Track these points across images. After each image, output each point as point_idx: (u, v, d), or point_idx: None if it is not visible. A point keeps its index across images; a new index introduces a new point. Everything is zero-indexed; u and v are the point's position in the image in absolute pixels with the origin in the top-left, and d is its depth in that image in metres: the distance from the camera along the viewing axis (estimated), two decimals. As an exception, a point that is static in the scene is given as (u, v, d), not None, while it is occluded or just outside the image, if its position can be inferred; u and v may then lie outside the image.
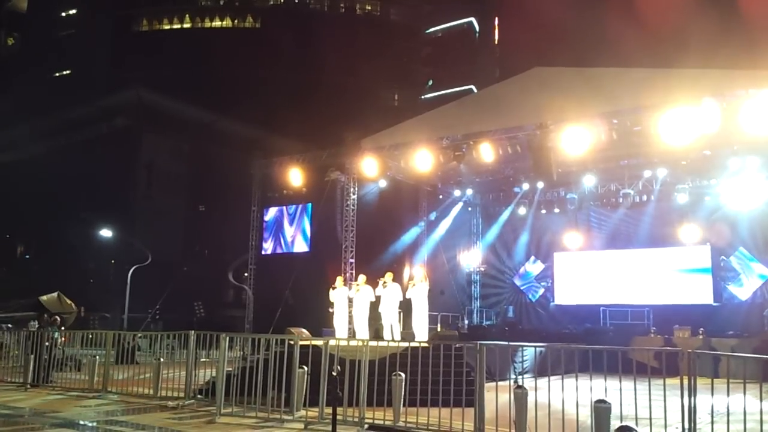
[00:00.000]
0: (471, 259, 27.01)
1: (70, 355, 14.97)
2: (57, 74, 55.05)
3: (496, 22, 60.22)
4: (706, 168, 20.51)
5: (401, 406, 9.07)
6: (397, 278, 15.09)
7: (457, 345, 10.67)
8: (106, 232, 33.58)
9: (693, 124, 14.29)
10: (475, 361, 8.56)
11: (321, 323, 17.25)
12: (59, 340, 14.62)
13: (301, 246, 23.17)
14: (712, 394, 7.04)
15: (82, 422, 9.81)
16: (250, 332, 20.69)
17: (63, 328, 16.44)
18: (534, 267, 26.23)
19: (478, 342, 8.71)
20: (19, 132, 43.73)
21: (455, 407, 8.46)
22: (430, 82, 56.31)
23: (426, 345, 10.37)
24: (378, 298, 14.51)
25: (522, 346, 13.70)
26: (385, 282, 14.44)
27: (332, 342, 9.91)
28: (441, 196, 25.23)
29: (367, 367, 9.13)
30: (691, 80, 15.05)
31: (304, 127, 37.80)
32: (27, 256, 47.81)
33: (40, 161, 42.41)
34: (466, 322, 24.79)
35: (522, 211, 25.61)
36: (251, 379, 9.84)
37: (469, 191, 25.58)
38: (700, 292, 22.05)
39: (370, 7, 57.99)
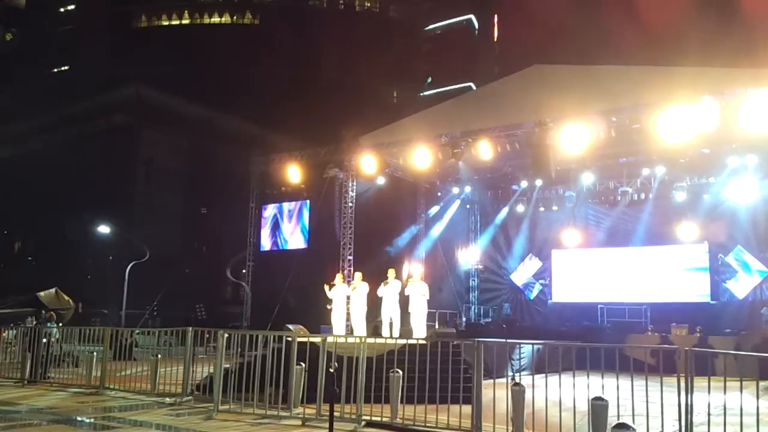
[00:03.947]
0: (469, 256, 27.03)
1: (67, 351, 14.95)
2: (55, 70, 54.94)
3: (496, 19, 60.13)
4: (705, 166, 20.56)
5: (399, 403, 9.08)
6: (397, 276, 15.08)
7: (454, 342, 10.67)
8: (104, 229, 33.52)
9: (692, 122, 14.31)
10: (472, 358, 8.56)
11: (319, 320, 17.25)
12: (57, 336, 14.58)
13: (299, 243, 23.17)
14: (709, 392, 7.05)
15: (79, 418, 9.80)
16: (247, 329, 20.67)
17: (60, 324, 16.41)
18: (532, 264, 26.24)
19: (476, 339, 8.72)
20: (17, 128, 43.61)
21: (453, 404, 8.46)
22: (429, 80, 56.25)
23: (424, 342, 10.37)
24: (380, 297, 14.51)
25: (519, 344, 13.70)
26: (387, 281, 14.45)
27: (330, 339, 9.91)
28: (439, 194, 25.25)
29: (364, 364, 9.13)
30: (690, 78, 15.05)
31: (303, 123, 37.72)
32: (30, 257, 47.69)
33: (38, 157, 42.32)
34: (464, 319, 24.81)
35: (520, 208, 25.66)
36: (249, 375, 9.84)
37: (468, 189, 25.59)
38: (697, 290, 22.09)
39: (369, 4, 57.91)
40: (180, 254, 41.86)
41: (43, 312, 17.84)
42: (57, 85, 50.16)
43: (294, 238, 23.34)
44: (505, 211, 26.26)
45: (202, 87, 44.79)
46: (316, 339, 10.20)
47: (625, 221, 23.94)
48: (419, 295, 14.34)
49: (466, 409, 8.36)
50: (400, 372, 9.10)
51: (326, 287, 15.10)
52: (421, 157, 18.67)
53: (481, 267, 26.98)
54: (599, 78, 16.64)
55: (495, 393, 8.00)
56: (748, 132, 14.44)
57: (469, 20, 58.35)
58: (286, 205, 23.80)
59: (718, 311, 21.22)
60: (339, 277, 15.77)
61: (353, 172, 20.82)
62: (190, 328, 11.38)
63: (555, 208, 25.08)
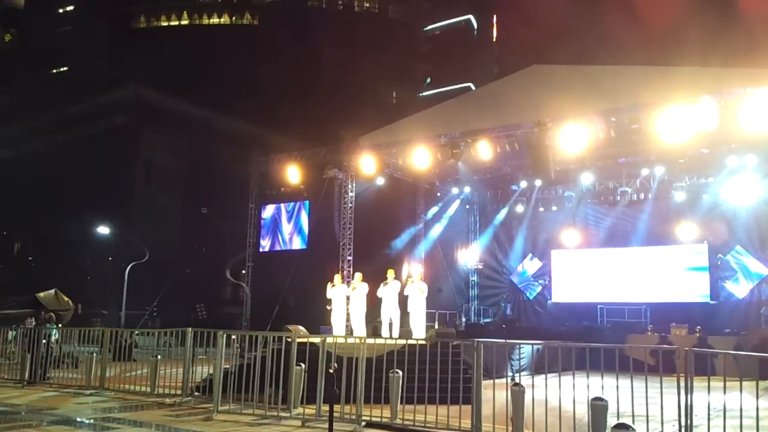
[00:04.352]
0: (469, 256, 27.03)
1: (67, 352, 14.95)
2: (54, 71, 54.89)
3: (495, 19, 60.17)
4: (704, 166, 20.56)
5: (398, 403, 9.08)
6: (396, 276, 15.07)
7: (454, 343, 10.67)
8: (103, 229, 33.52)
9: (691, 122, 14.31)
10: (472, 358, 8.56)
11: (319, 321, 17.25)
12: (56, 337, 14.57)
13: (298, 243, 23.17)
14: (709, 392, 7.05)
15: (79, 419, 9.80)
16: (247, 329, 20.66)
17: (60, 325, 16.41)
18: (531, 265, 26.24)
19: (476, 339, 8.73)
20: (16, 129, 43.58)
21: (452, 405, 8.46)
22: (428, 80, 56.26)
23: (423, 342, 10.37)
24: (379, 297, 14.51)
25: (519, 344, 13.70)
26: (386, 281, 14.44)
27: (329, 339, 9.91)
28: (439, 194, 25.25)
29: (364, 365, 9.13)
30: (689, 78, 15.05)
31: (302, 124, 37.73)
32: (29, 258, 47.65)
33: (38, 158, 42.31)
34: (464, 319, 24.81)
35: (520, 208, 25.66)
36: (248, 376, 9.84)
37: (467, 189, 25.60)
38: (697, 290, 22.09)
39: (368, 4, 57.89)
40: (179, 255, 41.85)
41: (43, 313, 17.82)
42: (56, 85, 50.13)
43: (293, 239, 23.33)
44: (504, 212, 26.26)
45: (202, 87, 44.77)
46: (316, 339, 10.20)
47: (624, 221, 23.94)
48: (418, 294, 14.34)
49: (466, 409, 8.36)
50: (400, 372, 9.10)
51: (329, 285, 15.09)
52: (420, 157, 18.67)
53: (480, 267, 26.98)
54: (598, 78, 16.63)
55: (495, 393, 8.01)
56: (747, 132, 14.44)
57: (468, 21, 58.37)
58: (285, 206, 23.79)
59: (718, 311, 21.23)
60: (338, 277, 15.77)
61: (353, 172, 20.82)
62: (190, 329, 11.37)
63: (554, 208, 25.09)
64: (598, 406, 7.16)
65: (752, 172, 19.51)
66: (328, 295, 15.13)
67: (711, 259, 21.99)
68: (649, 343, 17.00)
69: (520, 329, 21.16)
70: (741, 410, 6.59)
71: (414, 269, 19.88)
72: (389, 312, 14.39)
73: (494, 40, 60.17)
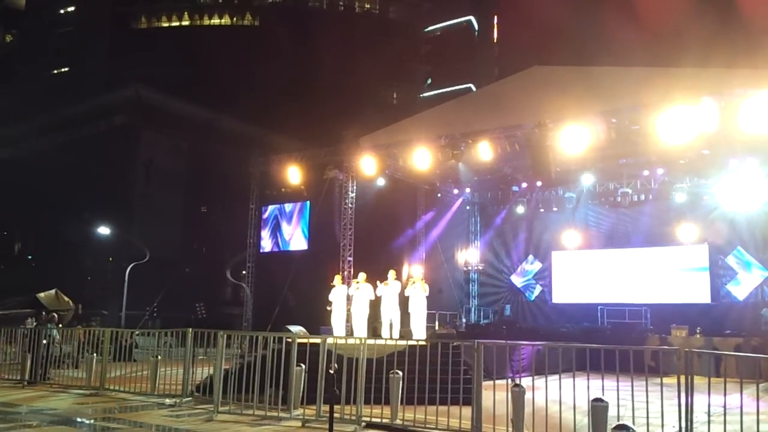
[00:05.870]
0: (469, 257, 27.03)
1: (67, 352, 14.93)
2: (55, 71, 54.92)
3: (495, 20, 60.18)
4: (705, 167, 20.54)
5: (399, 404, 9.07)
6: (397, 277, 15.06)
7: (454, 343, 10.66)
8: (104, 230, 33.52)
9: (691, 123, 14.31)
10: (472, 359, 8.56)
11: (319, 321, 17.24)
12: (56, 338, 14.56)
13: (299, 244, 23.16)
14: (709, 393, 7.05)
15: (79, 419, 9.81)
16: (248, 330, 20.67)
17: (60, 325, 16.40)
18: (532, 266, 26.25)
19: (476, 340, 8.72)
20: (17, 129, 43.60)
21: (453, 405, 8.46)
22: (429, 81, 56.26)
23: (424, 343, 10.36)
24: (379, 297, 14.50)
25: (519, 345, 13.69)
26: (386, 281, 14.43)
27: (330, 340, 9.91)
28: (439, 195, 25.25)
29: (364, 365, 9.12)
30: (689, 79, 15.05)
31: (303, 125, 37.73)
32: (30, 257, 47.64)
33: (38, 158, 42.30)
34: (464, 320, 24.82)
35: (520, 209, 25.67)
36: (249, 376, 9.84)
37: (468, 190, 25.61)
38: (697, 292, 22.09)
39: (368, 5, 57.89)
40: (180, 255, 41.79)
41: (44, 313, 17.82)
42: (57, 86, 50.14)
43: (294, 240, 23.33)
44: (504, 213, 26.26)
45: (202, 88, 44.76)
46: (316, 340, 10.19)
47: (625, 222, 23.95)
48: (419, 295, 14.33)
49: (466, 410, 8.36)
50: (400, 373, 9.10)
51: (333, 290, 15.07)
52: (421, 158, 18.67)
53: (481, 268, 26.98)
54: (599, 79, 16.62)
55: (495, 394, 8.00)
56: (748, 133, 14.43)
57: (469, 21, 58.39)
58: (286, 206, 23.79)
59: (718, 312, 21.22)
60: (338, 278, 15.75)
61: (353, 173, 20.83)
62: (190, 329, 11.37)
63: (555, 209, 25.09)
64: (598, 408, 7.16)
65: (752, 173, 19.50)
66: (330, 297, 15.12)
67: (711, 260, 21.99)
68: (650, 345, 16.97)
69: (520, 330, 21.13)
70: (741, 411, 6.59)
71: (414, 270, 19.88)
72: (389, 313, 14.37)
73: (495, 41, 60.18)
